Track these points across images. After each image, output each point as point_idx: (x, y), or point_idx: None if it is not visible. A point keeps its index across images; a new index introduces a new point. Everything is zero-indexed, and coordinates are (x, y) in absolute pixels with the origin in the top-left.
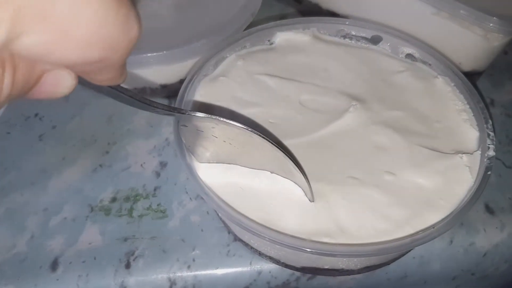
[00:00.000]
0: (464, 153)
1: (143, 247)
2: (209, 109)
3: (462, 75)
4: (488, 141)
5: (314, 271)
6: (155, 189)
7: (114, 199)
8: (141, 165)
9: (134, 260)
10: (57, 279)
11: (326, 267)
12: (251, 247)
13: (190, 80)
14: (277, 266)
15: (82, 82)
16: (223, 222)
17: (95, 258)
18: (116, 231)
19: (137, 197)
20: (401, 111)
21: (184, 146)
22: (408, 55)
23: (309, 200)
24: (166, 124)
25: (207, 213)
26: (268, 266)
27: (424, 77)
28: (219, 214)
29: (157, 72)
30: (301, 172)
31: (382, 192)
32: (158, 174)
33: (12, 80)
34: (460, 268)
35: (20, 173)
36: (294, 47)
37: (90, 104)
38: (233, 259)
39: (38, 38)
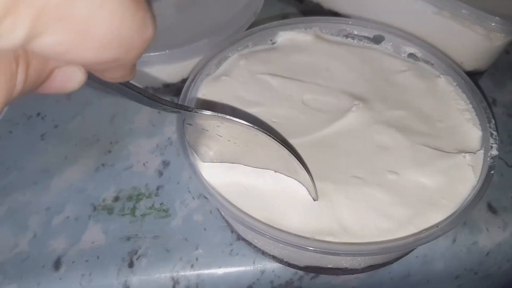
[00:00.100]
0: (467, 153)
1: (146, 246)
2: (212, 108)
3: (465, 75)
4: (491, 141)
5: (318, 270)
6: (157, 188)
7: (116, 198)
8: (144, 164)
9: (137, 259)
10: (60, 278)
11: (329, 266)
12: (254, 246)
13: (193, 79)
14: (280, 265)
15: (91, 77)
16: (226, 221)
17: (98, 257)
18: (119, 230)
19: (140, 196)
20: (404, 110)
21: (188, 145)
22: (410, 55)
23: (313, 199)
24: (169, 123)
25: (210, 212)
26: (271, 265)
27: (426, 77)
28: (222, 213)
29: (159, 71)
30: (306, 170)
31: (385, 191)
32: (160, 173)
33: (25, 76)
34: (463, 267)
35: (22, 172)
36: (296, 47)
37: (92, 104)
38: (236, 258)
39: (56, 38)
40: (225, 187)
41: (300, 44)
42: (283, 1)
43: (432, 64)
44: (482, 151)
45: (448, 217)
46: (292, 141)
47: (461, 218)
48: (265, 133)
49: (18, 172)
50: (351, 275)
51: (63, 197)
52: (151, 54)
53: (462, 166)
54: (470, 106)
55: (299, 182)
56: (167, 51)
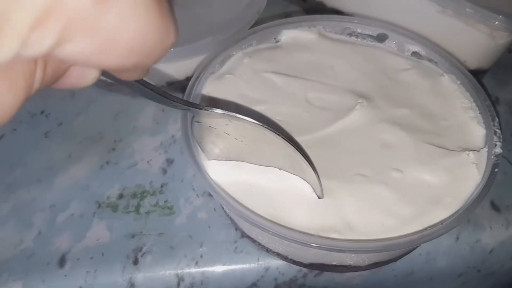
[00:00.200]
0: (471, 151)
1: (150, 243)
2: (216, 105)
3: (468, 73)
4: (495, 139)
5: (322, 267)
6: (162, 186)
7: (121, 196)
8: (148, 162)
9: (142, 256)
10: (65, 275)
11: (334, 263)
12: (259, 244)
13: (197, 77)
14: (285, 262)
15: (105, 74)
16: (230, 219)
17: (103, 254)
18: (124, 228)
19: (144, 194)
20: (408, 108)
21: (196, 142)
22: (414, 53)
23: (318, 196)
24: (172, 122)
25: (214, 209)
26: (275, 263)
27: (430, 75)
28: (227, 210)
29: (163, 69)
30: (312, 169)
31: (390, 189)
32: (164, 171)
33: (43, 74)
34: (466, 265)
35: (27, 170)
36: (300, 45)
37: (96, 101)
38: (241, 255)
39: (80, 47)
40: (230, 185)
41: (304, 43)
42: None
43: (435, 62)
44: (486, 149)
45: (452, 215)
46: (296, 139)
47: (466, 216)
48: (274, 132)
49: (23, 170)
50: (355, 273)
51: (68, 195)
52: None
53: (466, 164)
54: (474, 104)
55: (305, 180)
56: (171, 49)
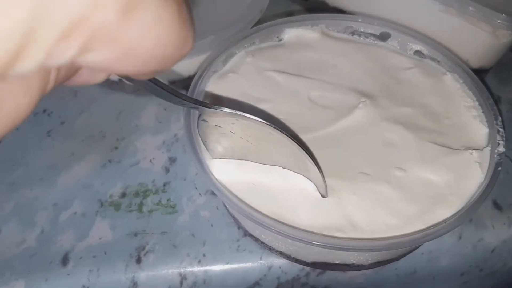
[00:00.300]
0: (474, 149)
1: (153, 242)
2: (220, 104)
3: (471, 72)
4: (498, 137)
5: (325, 266)
6: (164, 185)
7: (123, 195)
8: (150, 160)
9: (144, 255)
10: (68, 274)
11: (337, 262)
12: (262, 242)
13: (200, 76)
14: (287, 261)
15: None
16: (233, 217)
17: (105, 253)
18: (126, 226)
19: (147, 193)
20: (410, 107)
21: (199, 141)
22: (417, 52)
23: (323, 195)
24: (175, 120)
25: (217, 208)
26: (278, 261)
27: (433, 74)
28: (230, 209)
29: None
30: (318, 168)
31: (393, 187)
32: (167, 170)
33: (57, 74)
34: (468, 264)
35: (29, 168)
36: (302, 44)
37: (98, 100)
38: (243, 254)
39: (102, 56)
40: (233, 183)
41: (307, 41)
42: None
43: (438, 61)
44: (489, 148)
45: (455, 213)
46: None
47: (469, 214)
48: (281, 132)
49: (25, 169)
50: (358, 272)
51: (70, 193)
52: None
53: (469, 163)
54: (477, 103)
55: (309, 179)
56: None
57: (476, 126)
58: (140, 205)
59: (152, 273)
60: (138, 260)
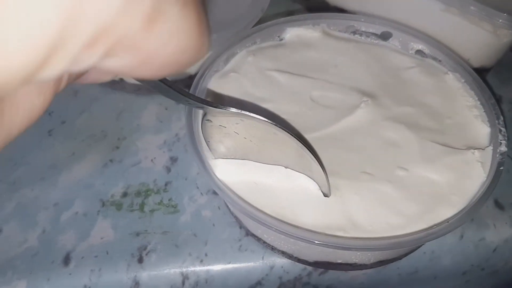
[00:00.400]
0: (476, 149)
1: (155, 241)
2: (222, 104)
3: (473, 71)
4: (500, 137)
5: (327, 266)
6: (166, 184)
7: (125, 194)
8: (152, 160)
9: (146, 254)
10: (70, 274)
11: (339, 261)
12: (264, 242)
13: (201, 75)
14: (289, 261)
15: None
16: (235, 217)
17: (107, 253)
18: (128, 226)
19: (148, 192)
20: (412, 107)
21: (201, 140)
22: (418, 51)
23: (326, 194)
24: (176, 120)
25: (219, 208)
26: (280, 261)
27: (434, 73)
28: (232, 208)
29: None
30: (321, 167)
31: (395, 187)
32: (168, 169)
33: (69, 75)
34: (470, 263)
35: (30, 168)
36: (304, 43)
37: (99, 100)
38: (245, 254)
39: (122, 62)
40: (235, 183)
41: (308, 41)
42: None
43: (439, 60)
44: (491, 148)
45: (458, 213)
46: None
47: (471, 214)
48: (287, 132)
49: (26, 168)
50: (360, 271)
51: (72, 193)
52: None
53: (471, 162)
54: (478, 102)
55: (311, 178)
56: None
57: (478, 126)
58: (142, 205)
59: (154, 272)
60: (140, 260)
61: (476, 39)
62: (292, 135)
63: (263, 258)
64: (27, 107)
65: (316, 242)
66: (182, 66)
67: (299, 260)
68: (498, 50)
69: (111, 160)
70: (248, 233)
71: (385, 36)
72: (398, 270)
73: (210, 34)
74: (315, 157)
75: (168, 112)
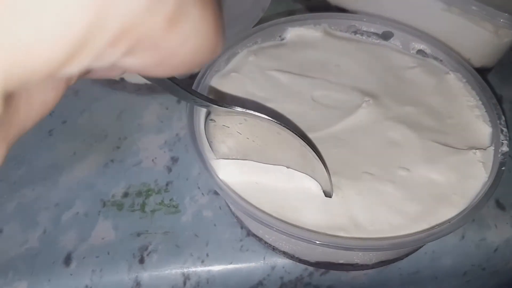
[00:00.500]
0: (477, 149)
1: (156, 242)
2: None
3: (474, 71)
4: (502, 137)
5: (329, 266)
6: (167, 184)
7: (126, 194)
8: (153, 160)
9: (147, 255)
10: (71, 274)
11: (341, 261)
12: (265, 242)
13: (202, 75)
14: (291, 261)
15: None
16: (236, 217)
17: (108, 253)
18: (129, 226)
19: (149, 192)
20: (414, 107)
21: (202, 140)
22: (419, 51)
23: (328, 194)
24: (177, 119)
25: (220, 208)
26: (281, 261)
27: (435, 73)
28: (233, 208)
29: None
30: (324, 166)
31: (397, 187)
32: (169, 169)
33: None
34: (471, 263)
35: (31, 168)
36: (305, 43)
37: (100, 99)
38: (247, 254)
39: (140, 60)
40: (236, 183)
41: (309, 40)
42: None
43: (441, 60)
44: (492, 148)
45: (459, 213)
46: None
47: (473, 214)
48: (293, 132)
49: (27, 168)
50: (361, 271)
51: (72, 193)
52: None
53: (473, 163)
54: (480, 102)
55: (314, 178)
56: None
57: (480, 126)
58: (143, 205)
59: (155, 273)
60: (141, 260)
61: (477, 38)
62: (297, 135)
63: (264, 258)
64: (41, 101)
65: (318, 242)
66: (196, 66)
67: (300, 261)
68: (499, 50)
69: (112, 160)
70: (250, 234)
71: (386, 36)
72: (399, 270)
73: (225, 34)
74: (318, 157)
75: (169, 112)
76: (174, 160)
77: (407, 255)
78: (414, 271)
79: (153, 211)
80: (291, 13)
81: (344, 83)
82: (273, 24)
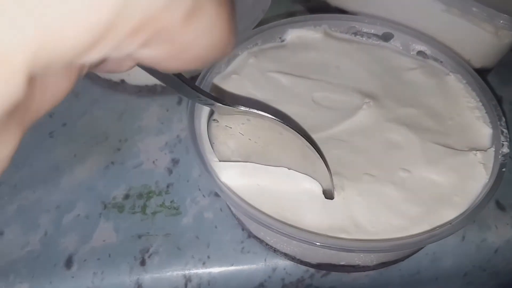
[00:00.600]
0: (478, 150)
1: (157, 244)
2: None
3: (474, 72)
4: (502, 138)
5: (330, 268)
6: (167, 186)
7: (127, 196)
8: (153, 162)
9: (149, 257)
10: (72, 277)
11: (342, 263)
12: (266, 244)
13: (203, 77)
14: (292, 262)
15: (140, 64)
16: (237, 219)
17: (109, 256)
18: (130, 228)
19: (150, 194)
20: (414, 108)
21: (204, 142)
22: (420, 52)
23: (329, 196)
24: (177, 121)
25: (221, 210)
26: (283, 263)
27: (436, 74)
28: (234, 210)
29: None
30: (327, 167)
31: (398, 188)
32: (170, 171)
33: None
34: (471, 264)
35: (32, 170)
36: (305, 44)
37: (100, 101)
38: (248, 256)
39: (155, 53)
40: (237, 184)
41: (309, 42)
42: None
43: (441, 62)
44: (493, 149)
45: (460, 215)
46: None
47: (474, 215)
48: (296, 131)
49: (28, 170)
50: (362, 273)
51: (73, 195)
52: None
53: (474, 164)
54: (480, 104)
55: (315, 179)
56: None
57: (480, 127)
58: (144, 207)
59: (157, 275)
60: (143, 263)
61: (477, 39)
62: (300, 134)
63: (265, 260)
64: (55, 89)
65: (318, 244)
66: (208, 62)
67: (301, 262)
68: (499, 51)
69: (112, 162)
70: (251, 235)
71: (386, 37)
72: (400, 271)
73: (237, 32)
74: (321, 157)
75: (169, 114)
76: (175, 161)
77: (408, 256)
78: (415, 272)
79: (154, 213)
80: (291, 14)
81: (345, 84)
82: (273, 25)
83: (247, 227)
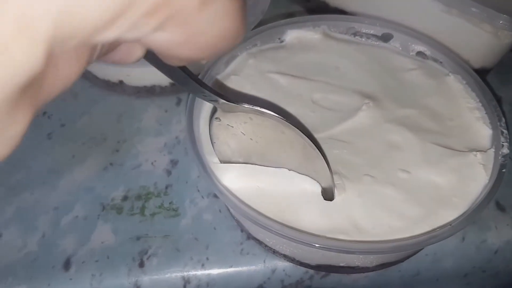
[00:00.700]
0: (478, 151)
1: (156, 245)
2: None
3: (474, 73)
4: (502, 139)
5: (329, 269)
6: (166, 187)
7: (125, 198)
8: (152, 163)
9: (147, 259)
10: (70, 279)
11: (341, 264)
12: (265, 245)
13: (202, 78)
14: (291, 264)
15: (147, 57)
16: (236, 220)
17: (108, 257)
18: (129, 230)
19: (149, 196)
20: (414, 109)
21: (204, 143)
22: (419, 53)
23: (329, 197)
24: (176, 122)
25: (220, 211)
26: (282, 264)
27: (435, 75)
28: (233, 212)
29: None
30: (328, 167)
31: (397, 190)
32: (169, 172)
33: (101, 47)
34: (472, 265)
35: (30, 172)
36: (304, 45)
37: (99, 102)
38: (247, 257)
39: (169, 37)
40: (237, 186)
41: (309, 43)
42: None
43: (441, 62)
44: (493, 150)
45: (460, 216)
46: None
47: (474, 216)
48: (301, 131)
49: (26, 172)
50: (362, 274)
51: (72, 197)
52: None
53: (474, 165)
54: (480, 104)
55: (316, 180)
56: None
57: (480, 128)
58: (142, 208)
59: (155, 277)
60: (141, 264)
61: (477, 40)
62: (303, 133)
63: (264, 261)
64: (65, 72)
65: (317, 245)
66: (218, 51)
67: (301, 264)
68: (499, 51)
69: (111, 163)
70: (250, 237)
71: (386, 38)
72: (400, 272)
73: (246, 24)
74: (322, 156)
75: (168, 115)
76: (174, 163)
77: (408, 257)
78: (415, 273)
79: (152, 215)
80: (290, 15)
81: (344, 85)
82: (272, 26)
83: (246, 229)
